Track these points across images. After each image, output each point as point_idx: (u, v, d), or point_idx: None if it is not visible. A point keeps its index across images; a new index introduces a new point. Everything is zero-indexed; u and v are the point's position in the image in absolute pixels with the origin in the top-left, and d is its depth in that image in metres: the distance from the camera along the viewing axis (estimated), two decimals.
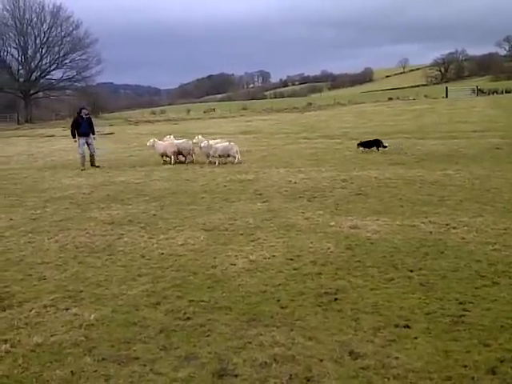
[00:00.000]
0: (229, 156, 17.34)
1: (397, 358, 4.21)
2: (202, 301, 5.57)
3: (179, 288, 5.99)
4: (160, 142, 18.36)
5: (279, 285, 5.97)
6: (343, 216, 9.07)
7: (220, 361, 4.29)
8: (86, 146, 18.24)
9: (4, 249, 7.91)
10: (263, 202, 10.60)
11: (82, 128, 18.13)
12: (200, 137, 18.28)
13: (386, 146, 18.31)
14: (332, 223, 8.61)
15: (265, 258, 6.95)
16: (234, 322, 5.01)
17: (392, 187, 11.54)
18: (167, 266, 6.82)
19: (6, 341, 4.78)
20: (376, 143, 18.58)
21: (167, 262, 6.96)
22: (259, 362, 4.24)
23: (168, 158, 17.95)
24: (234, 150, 17.21)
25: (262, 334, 4.74)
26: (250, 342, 4.60)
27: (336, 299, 5.46)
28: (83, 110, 18.61)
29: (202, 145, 17.53)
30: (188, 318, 5.14)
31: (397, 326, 4.77)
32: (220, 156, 17.37)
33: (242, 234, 8.21)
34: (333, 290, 5.71)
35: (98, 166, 17.81)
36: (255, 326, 4.93)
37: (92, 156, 18.34)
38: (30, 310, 5.47)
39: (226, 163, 16.93)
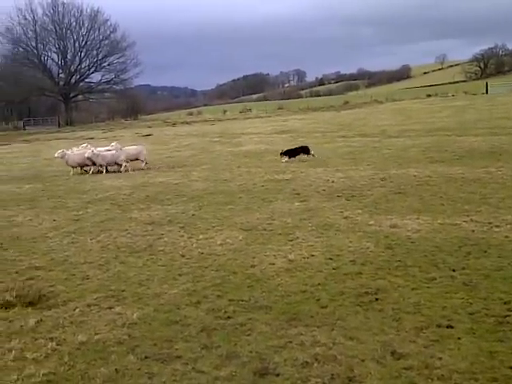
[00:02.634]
0: (116, 164, 17.59)
1: (440, 358, 4.15)
2: (242, 300, 5.61)
3: (219, 287, 6.04)
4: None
5: (319, 284, 5.96)
6: (382, 215, 8.98)
7: (261, 360, 4.31)
8: None
9: (48, 249, 8.11)
10: (301, 201, 10.58)
11: None
12: (86, 145, 18.81)
13: (313, 155, 17.20)
14: (371, 222, 8.54)
15: (304, 258, 6.95)
16: (274, 322, 5.03)
17: (432, 185, 11.35)
18: (207, 265, 6.89)
19: (52, 339, 4.90)
20: (303, 150, 17.40)
21: (207, 262, 7.02)
22: (300, 362, 4.25)
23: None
24: (143, 153, 17.88)
25: (302, 334, 4.74)
26: (291, 342, 4.61)
27: (377, 299, 5.42)
28: None
29: (86, 155, 17.44)
30: (228, 317, 5.18)
31: (439, 326, 4.71)
32: (108, 164, 17.60)
33: (280, 234, 8.22)
34: (373, 289, 5.67)
35: None
36: (295, 325, 4.94)
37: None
38: (75, 309, 5.60)
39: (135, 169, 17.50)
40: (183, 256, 7.36)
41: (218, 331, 4.89)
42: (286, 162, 16.81)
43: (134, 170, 17.31)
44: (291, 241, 7.79)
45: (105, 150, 18.00)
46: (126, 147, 18.39)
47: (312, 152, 17.26)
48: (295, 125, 38.32)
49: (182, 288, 6.08)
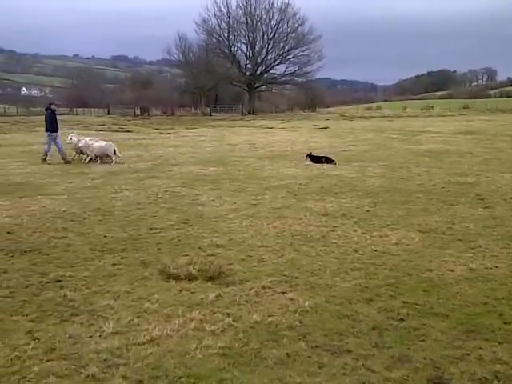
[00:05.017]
0: (107, 156, 17.41)
1: None
2: (417, 304, 5.41)
3: (392, 287, 5.89)
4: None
5: (502, 298, 5.54)
6: None
7: (435, 368, 4.13)
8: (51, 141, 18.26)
9: (228, 229, 8.55)
10: (485, 207, 9.91)
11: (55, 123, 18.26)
12: (73, 136, 18.19)
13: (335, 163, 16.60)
14: None
15: (486, 268, 6.50)
16: (450, 331, 4.78)
17: None
18: (380, 263, 6.76)
19: (228, 314, 5.17)
20: (327, 160, 16.86)
21: (380, 260, 6.89)
22: (478, 377, 3.99)
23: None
24: (111, 149, 17.32)
25: (481, 348, 4.45)
26: (468, 354, 4.35)
27: None
28: (52, 106, 19.00)
29: (81, 144, 17.64)
30: (401, 319, 5.04)
31: None
32: (97, 156, 17.50)
33: (460, 240, 7.78)
34: None
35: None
36: (474, 338, 4.64)
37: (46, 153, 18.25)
38: (250, 289, 5.84)
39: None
40: (356, 251, 7.30)
41: (390, 332, 4.77)
42: (308, 165, 16.61)
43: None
44: (473, 249, 7.33)
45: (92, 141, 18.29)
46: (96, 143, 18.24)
47: (335, 162, 16.88)
48: (481, 126, 35.99)
49: (353, 283, 6.04)
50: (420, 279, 6.16)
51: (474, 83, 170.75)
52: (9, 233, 8.27)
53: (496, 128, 33.67)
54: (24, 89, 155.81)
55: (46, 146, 18.28)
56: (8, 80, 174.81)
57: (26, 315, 5.17)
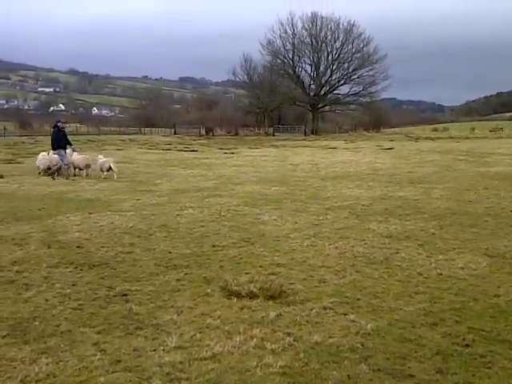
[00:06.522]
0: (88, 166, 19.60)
1: None
2: (483, 330, 5.24)
3: (458, 312, 5.73)
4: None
5: None
6: None
7: None
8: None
9: (289, 249, 8.58)
10: None
11: (62, 140, 19.38)
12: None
13: None
14: None
15: None
16: None
17: None
18: (445, 287, 6.59)
19: (289, 334, 5.17)
20: None
21: (445, 284, 6.73)
22: None
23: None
24: (106, 165, 18.81)
25: None
26: None
27: None
28: (59, 124, 19.86)
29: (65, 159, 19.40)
30: (467, 345, 4.89)
31: None
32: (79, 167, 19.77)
33: None
34: None
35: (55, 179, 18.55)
36: None
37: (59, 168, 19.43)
38: (311, 310, 5.82)
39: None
40: (420, 274, 7.15)
41: (455, 357, 4.65)
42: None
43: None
44: None
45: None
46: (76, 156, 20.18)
47: None
48: None
49: (417, 307, 5.92)
50: (487, 305, 5.97)
51: None
52: (78, 247, 8.61)
53: None
54: (95, 109, 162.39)
55: (61, 161, 19.46)
56: (80, 100, 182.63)
57: (94, 327, 5.36)
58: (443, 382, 4.24)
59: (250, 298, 6.16)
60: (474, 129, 78.53)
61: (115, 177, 18.65)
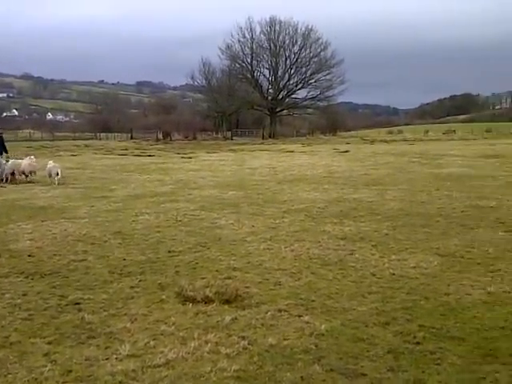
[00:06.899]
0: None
1: None
2: (433, 327, 5.37)
3: (409, 311, 5.86)
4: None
5: None
6: None
7: None
8: None
9: (246, 252, 8.59)
10: (506, 231, 9.80)
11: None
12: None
13: None
14: None
15: (505, 292, 6.43)
16: (467, 355, 4.74)
17: None
18: (398, 287, 6.73)
19: (244, 337, 5.18)
20: None
21: (398, 283, 6.86)
22: None
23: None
24: (55, 170, 18.69)
25: (498, 372, 4.40)
26: (484, 378, 4.31)
27: None
28: None
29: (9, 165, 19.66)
30: (417, 343, 5.00)
31: None
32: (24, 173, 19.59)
33: (479, 264, 7.71)
34: None
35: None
36: (491, 362, 4.60)
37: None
38: (266, 312, 5.85)
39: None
40: (374, 275, 7.28)
41: (406, 355, 4.75)
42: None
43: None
44: (491, 272, 7.25)
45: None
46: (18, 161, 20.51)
47: None
48: (504, 149, 35.68)
49: (370, 306, 6.02)
50: (437, 303, 6.12)
51: (498, 106, 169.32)
52: (30, 256, 8.41)
53: None
54: (50, 114, 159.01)
55: None
56: (35, 105, 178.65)
57: (44, 337, 5.25)
58: (394, 379, 4.32)
59: (206, 302, 6.14)
60: (427, 131, 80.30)
61: (57, 183, 18.37)
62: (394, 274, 7.26)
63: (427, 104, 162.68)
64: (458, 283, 6.82)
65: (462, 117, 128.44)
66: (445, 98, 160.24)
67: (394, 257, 8.16)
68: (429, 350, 4.84)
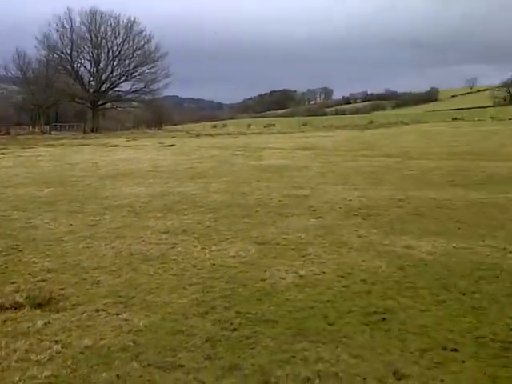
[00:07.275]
0: None
1: (442, 380, 4.11)
2: (249, 313, 5.60)
3: (228, 299, 6.04)
4: None
5: (327, 301, 5.93)
6: (397, 235, 8.92)
7: (263, 373, 4.30)
8: None
9: (62, 252, 8.20)
10: (317, 217, 10.56)
11: None
12: None
13: None
14: (385, 242, 8.49)
15: (314, 274, 6.92)
16: (279, 336, 5.02)
17: (451, 209, 11.26)
18: (218, 276, 6.90)
19: (57, 341, 4.94)
20: None
21: (218, 273, 7.04)
22: (302, 377, 4.22)
23: None
24: None
25: (306, 350, 4.72)
26: (295, 357, 4.59)
27: (384, 319, 5.38)
28: None
29: None
30: (234, 329, 5.18)
31: (444, 348, 4.65)
32: None
33: (293, 249, 8.21)
34: (381, 309, 5.62)
35: None
36: (300, 340, 4.92)
37: None
38: (83, 313, 5.64)
39: None
40: (195, 266, 7.39)
41: (223, 343, 4.89)
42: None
43: None
44: (303, 256, 7.77)
45: None
46: None
47: None
48: (318, 142, 38.40)
49: (190, 298, 6.10)
50: (254, 289, 6.39)
51: (313, 102, 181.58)
52: None
53: (331, 144, 36.11)
54: None
55: None
56: None
57: None
58: (211, 367, 4.43)
59: (16, 308, 5.74)
60: (250, 125, 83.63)
61: None
62: (214, 264, 7.43)
63: (250, 99, 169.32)
64: (274, 269, 7.19)
65: (280, 111, 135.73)
66: (265, 94, 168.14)
67: (214, 247, 8.36)
68: (245, 335, 5.03)
